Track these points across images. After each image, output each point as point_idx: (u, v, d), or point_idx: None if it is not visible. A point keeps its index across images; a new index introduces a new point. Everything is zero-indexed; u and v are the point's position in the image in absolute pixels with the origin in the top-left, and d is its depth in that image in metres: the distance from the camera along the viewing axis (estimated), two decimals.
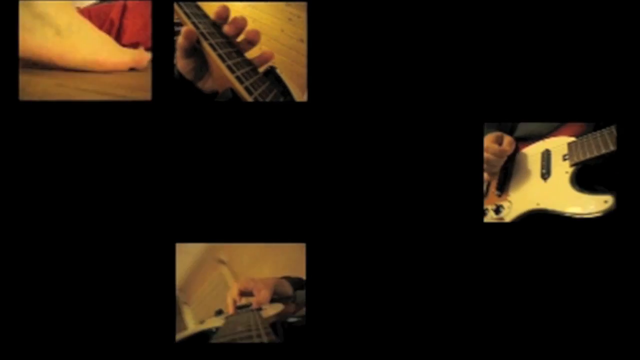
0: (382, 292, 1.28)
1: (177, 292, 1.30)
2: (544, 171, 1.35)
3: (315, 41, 1.28)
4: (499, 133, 1.39)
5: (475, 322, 1.27)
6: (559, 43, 1.28)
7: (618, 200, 1.22)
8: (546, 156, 1.36)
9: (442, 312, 1.27)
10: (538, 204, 1.31)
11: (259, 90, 1.19)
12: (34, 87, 1.26)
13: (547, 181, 1.33)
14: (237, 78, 1.14)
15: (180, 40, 1.14)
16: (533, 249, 1.28)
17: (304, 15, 1.29)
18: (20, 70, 1.26)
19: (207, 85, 1.19)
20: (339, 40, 1.28)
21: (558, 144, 1.35)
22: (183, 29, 1.14)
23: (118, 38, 1.38)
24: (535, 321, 1.27)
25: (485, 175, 1.39)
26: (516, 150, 1.42)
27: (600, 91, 1.28)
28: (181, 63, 1.17)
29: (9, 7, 1.26)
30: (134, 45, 1.38)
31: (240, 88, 1.14)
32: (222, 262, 1.54)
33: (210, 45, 1.14)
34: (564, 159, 1.32)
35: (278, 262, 1.36)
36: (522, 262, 1.28)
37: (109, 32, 1.37)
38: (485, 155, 1.34)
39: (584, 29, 1.28)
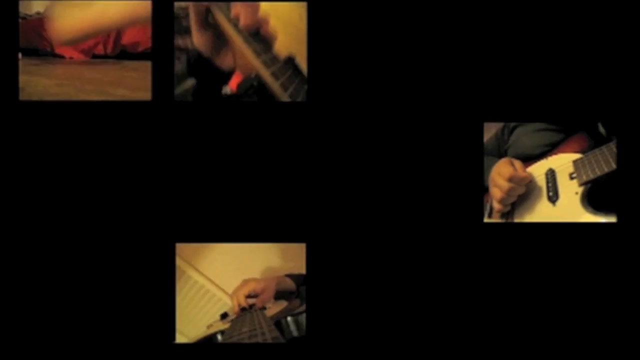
0: (383, 292, 1.28)
1: None
2: (550, 194, 1.25)
3: (315, 41, 1.28)
4: (507, 159, 1.28)
5: (474, 321, 1.27)
6: (559, 43, 1.29)
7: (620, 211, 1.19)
8: (551, 176, 1.27)
9: (442, 312, 1.27)
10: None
11: (283, 78, 1.17)
12: (34, 87, 1.26)
13: (557, 204, 1.24)
14: (264, 63, 1.12)
15: (191, 15, 1.15)
16: (533, 249, 1.28)
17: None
18: (20, 70, 1.27)
19: (226, 61, 1.18)
20: (338, 40, 1.28)
21: (561, 162, 1.26)
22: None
23: (117, 38, 1.38)
24: (535, 321, 1.27)
25: (496, 205, 1.28)
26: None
27: (600, 91, 1.28)
28: (198, 38, 1.16)
29: (9, 7, 1.26)
30: (134, 46, 1.38)
31: (266, 74, 1.12)
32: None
33: (235, 27, 1.13)
34: (571, 178, 1.23)
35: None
36: (522, 262, 1.28)
37: (108, 32, 1.37)
38: (506, 185, 1.23)
39: (584, 30, 1.28)
